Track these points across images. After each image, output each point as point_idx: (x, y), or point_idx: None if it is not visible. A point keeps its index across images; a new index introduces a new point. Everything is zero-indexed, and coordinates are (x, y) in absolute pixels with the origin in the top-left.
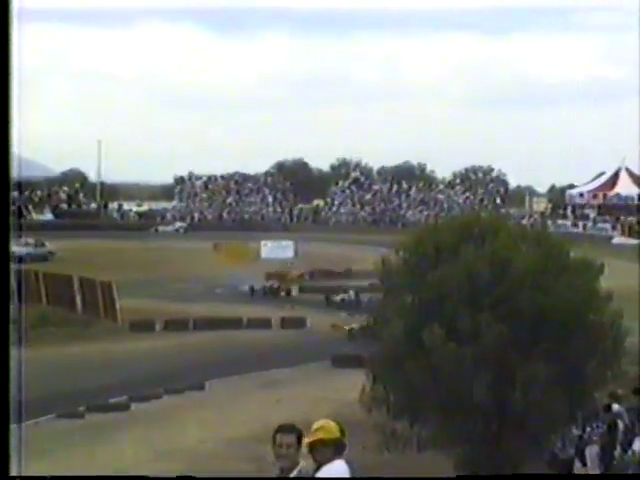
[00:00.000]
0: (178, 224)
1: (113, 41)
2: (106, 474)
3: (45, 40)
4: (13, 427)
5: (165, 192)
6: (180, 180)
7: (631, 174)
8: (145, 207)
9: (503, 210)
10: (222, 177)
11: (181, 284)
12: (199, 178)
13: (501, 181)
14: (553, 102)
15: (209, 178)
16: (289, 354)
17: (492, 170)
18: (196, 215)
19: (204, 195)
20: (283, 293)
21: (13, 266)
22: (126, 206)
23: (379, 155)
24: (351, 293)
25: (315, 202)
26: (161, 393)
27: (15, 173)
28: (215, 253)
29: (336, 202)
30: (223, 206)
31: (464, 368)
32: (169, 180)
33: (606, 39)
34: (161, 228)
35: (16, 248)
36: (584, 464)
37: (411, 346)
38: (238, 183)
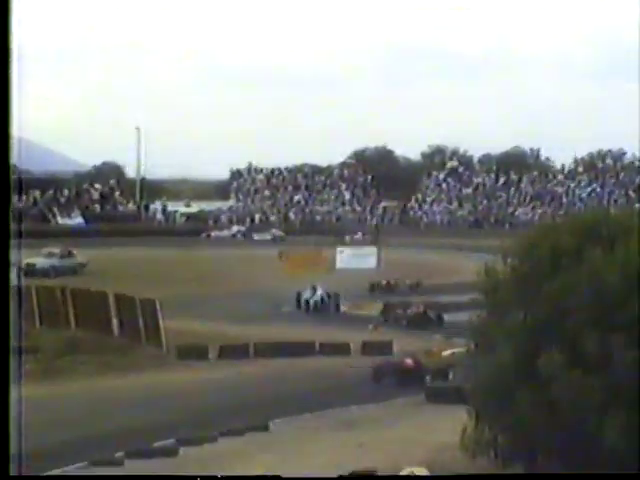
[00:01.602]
0: (235, 228)
1: (151, 8)
2: None
3: (71, 11)
4: None
5: (219, 189)
6: (237, 174)
7: None
8: (195, 208)
9: (638, 205)
10: (288, 170)
11: (239, 301)
12: (260, 171)
13: (636, 168)
14: None
15: (272, 171)
16: (372, 387)
17: (624, 155)
18: (257, 216)
19: (266, 192)
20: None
21: (35, 281)
22: (172, 207)
23: (482, 140)
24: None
25: (403, 199)
26: (216, 435)
27: (36, 167)
28: (281, 262)
29: (429, 198)
30: (290, 205)
31: (591, 403)
32: (224, 175)
33: None
34: (215, 233)
35: (39, 260)
36: None
37: (524, 376)
38: (308, 177)
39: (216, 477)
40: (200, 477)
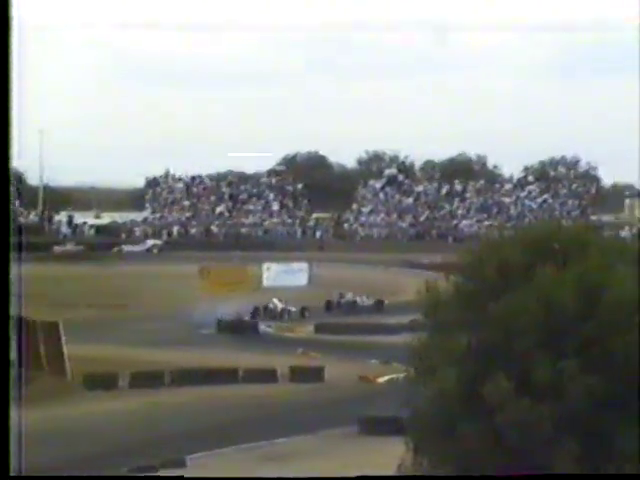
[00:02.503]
0: (151, 242)
1: None
2: None
3: None
4: None
5: (133, 199)
6: (153, 182)
7: None
8: (106, 219)
9: (594, 217)
10: (210, 178)
11: (155, 323)
12: (179, 179)
13: (590, 178)
14: None
15: (192, 179)
16: (301, 417)
17: (578, 163)
18: (175, 229)
19: (186, 202)
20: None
21: None
22: (80, 218)
23: (423, 145)
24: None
25: (337, 210)
26: (124, 472)
27: None
28: (201, 280)
29: (365, 209)
30: (212, 217)
31: (541, 433)
32: (139, 183)
33: None
34: (128, 247)
35: None
36: None
37: (468, 404)
38: (232, 185)
39: (216, 477)
40: (200, 477)
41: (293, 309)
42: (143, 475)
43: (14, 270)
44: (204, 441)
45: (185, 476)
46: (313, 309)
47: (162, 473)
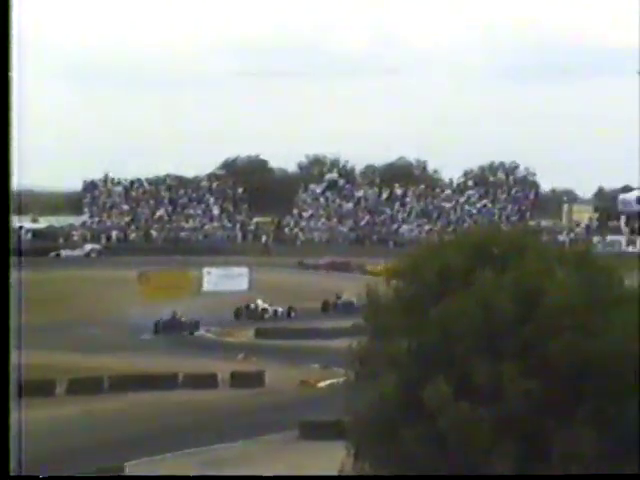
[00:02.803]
0: (89, 246)
1: None
2: None
3: None
4: None
5: (71, 202)
6: (91, 186)
7: None
8: (43, 223)
9: (532, 222)
10: (149, 182)
11: (93, 329)
12: (118, 183)
13: (530, 183)
14: (604, 73)
15: (131, 183)
16: (241, 422)
17: (517, 168)
18: (114, 234)
19: (125, 206)
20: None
21: None
22: (16, 222)
23: (364, 150)
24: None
25: (278, 214)
26: None
27: None
28: (140, 285)
29: (306, 214)
30: (151, 221)
31: (480, 436)
32: (76, 186)
33: None
34: (65, 252)
35: None
36: None
37: (408, 408)
38: (172, 189)
39: (217, 477)
40: (200, 477)
41: (280, 309)
42: (144, 475)
43: None
44: (143, 448)
45: (185, 476)
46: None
47: None
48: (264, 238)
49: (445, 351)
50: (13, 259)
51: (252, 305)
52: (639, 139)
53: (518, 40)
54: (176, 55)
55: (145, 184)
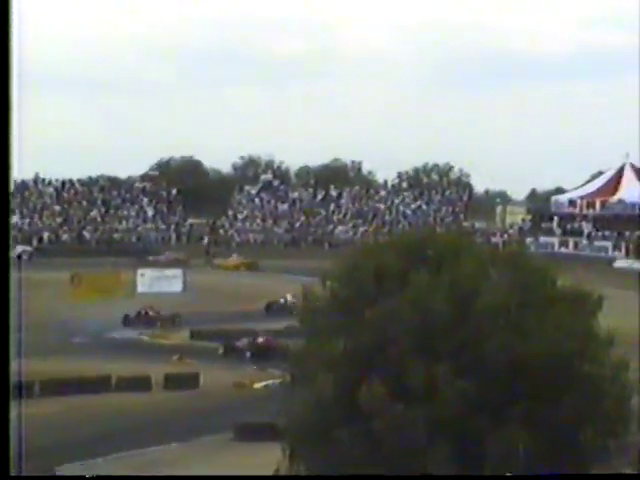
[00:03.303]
0: (20, 248)
1: None
2: None
3: None
4: None
5: None
6: (22, 186)
7: (639, 173)
8: None
9: (466, 224)
10: (81, 182)
11: (24, 332)
12: (49, 184)
13: (463, 185)
14: (533, 79)
15: (63, 184)
16: (176, 425)
17: (451, 170)
18: (46, 235)
19: (57, 207)
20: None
21: None
22: None
23: (298, 151)
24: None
25: (212, 216)
26: None
27: None
28: (73, 287)
29: (241, 215)
30: (84, 222)
31: (416, 437)
32: None
33: None
34: None
35: None
36: None
37: (343, 409)
38: (104, 190)
39: (217, 477)
40: (200, 477)
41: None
42: (144, 475)
43: None
44: (75, 452)
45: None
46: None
47: None
48: (205, 239)
49: (380, 352)
50: None
51: (143, 311)
52: (570, 141)
53: (452, 44)
54: (111, 59)
55: (77, 185)
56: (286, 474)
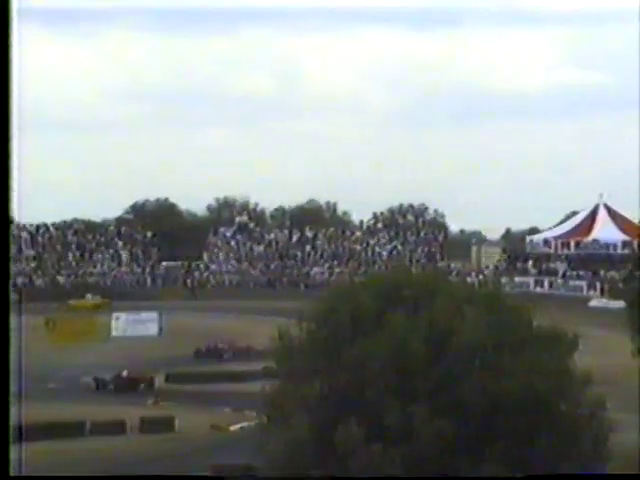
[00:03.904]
0: None
1: None
2: None
3: None
4: None
5: None
6: None
7: (612, 214)
8: None
9: (442, 264)
10: (56, 227)
11: None
12: (23, 228)
13: (439, 225)
14: (506, 117)
15: (37, 228)
16: (151, 468)
17: (426, 210)
18: (20, 280)
19: (31, 252)
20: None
21: None
22: None
23: (273, 192)
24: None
25: (188, 258)
26: None
27: None
28: (47, 331)
29: (216, 257)
30: (58, 266)
31: (392, 477)
32: None
33: (573, 34)
34: None
35: None
36: None
37: (320, 450)
38: (79, 234)
39: (216, 477)
40: (200, 477)
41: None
42: (147, 475)
43: None
44: None
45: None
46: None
47: None
48: (189, 282)
49: (357, 393)
50: None
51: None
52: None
53: (424, 83)
54: (84, 98)
55: (51, 229)
56: None
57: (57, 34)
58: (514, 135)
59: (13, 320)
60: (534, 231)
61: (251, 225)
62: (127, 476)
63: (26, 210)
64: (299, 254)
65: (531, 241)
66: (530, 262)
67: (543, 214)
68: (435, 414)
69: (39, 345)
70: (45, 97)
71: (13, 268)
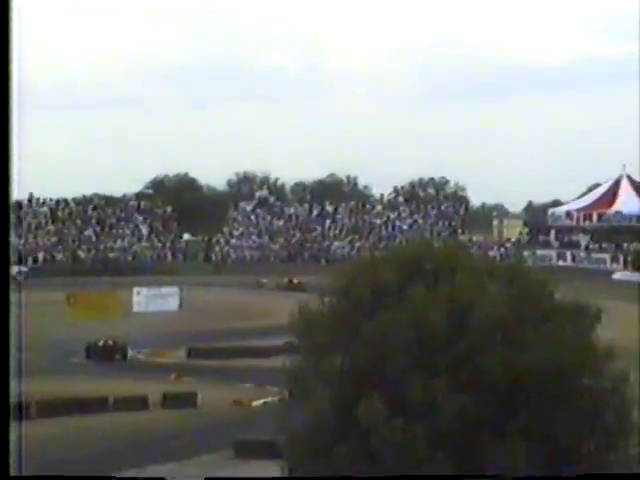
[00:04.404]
0: (15, 268)
1: None
2: None
3: None
4: None
5: None
6: (16, 206)
7: (636, 185)
8: None
9: (463, 237)
10: (76, 202)
11: (20, 353)
12: (43, 203)
13: (459, 198)
14: (529, 91)
15: (57, 203)
16: (174, 443)
17: (447, 183)
18: (41, 255)
19: (51, 227)
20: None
21: None
22: None
23: (294, 167)
24: None
25: (208, 232)
26: None
27: None
28: (69, 307)
29: (236, 232)
30: (79, 241)
31: (414, 452)
32: None
33: (599, 4)
34: None
35: None
36: None
37: (342, 425)
38: (99, 209)
39: (216, 477)
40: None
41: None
42: (144, 477)
43: None
44: (73, 473)
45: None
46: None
47: None
48: (214, 257)
49: (379, 367)
50: None
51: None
52: (566, 153)
53: (445, 58)
54: (105, 76)
55: (71, 204)
56: None
57: (81, 12)
58: (536, 107)
59: (35, 295)
60: (556, 203)
61: (271, 199)
62: (127, 477)
63: (46, 185)
64: (319, 228)
65: (553, 214)
66: (552, 235)
67: (565, 186)
68: (457, 389)
69: (62, 320)
70: (68, 75)
71: (34, 243)
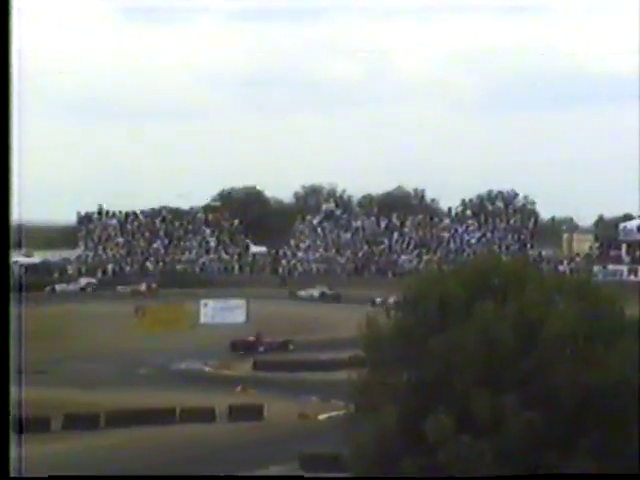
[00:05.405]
0: (85, 280)
1: None
2: None
3: None
4: None
5: (65, 236)
6: (86, 219)
7: None
8: (37, 258)
9: (532, 252)
10: (145, 214)
11: (89, 364)
12: (112, 216)
13: (529, 212)
14: (598, 101)
15: (126, 216)
16: (241, 456)
17: (516, 197)
18: (110, 267)
19: (120, 239)
20: None
21: None
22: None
23: (361, 180)
24: None
25: (274, 245)
26: None
27: None
28: (137, 319)
29: (303, 245)
30: (147, 253)
31: (481, 469)
32: (71, 219)
33: None
34: (60, 286)
35: None
36: None
37: (409, 440)
38: (167, 221)
39: (216, 477)
40: (200, 477)
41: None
42: (149, 475)
43: None
44: None
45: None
46: None
47: None
48: (280, 270)
49: (446, 383)
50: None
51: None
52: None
53: (515, 68)
54: (173, 88)
55: (140, 217)
56: None
57: (151, 22)
58: (606, 118)
59: (105, 306)
60: (627, 217)
61: (338, 212)
62: (127, 476)
63: (116, 198)
64: (386, 241)
65: (624, 228)
66: (623, 249)
67: (637, 200)
68: (525, 405)
69: (129, 332)
70: (137, 85)
71: (103, 255)
